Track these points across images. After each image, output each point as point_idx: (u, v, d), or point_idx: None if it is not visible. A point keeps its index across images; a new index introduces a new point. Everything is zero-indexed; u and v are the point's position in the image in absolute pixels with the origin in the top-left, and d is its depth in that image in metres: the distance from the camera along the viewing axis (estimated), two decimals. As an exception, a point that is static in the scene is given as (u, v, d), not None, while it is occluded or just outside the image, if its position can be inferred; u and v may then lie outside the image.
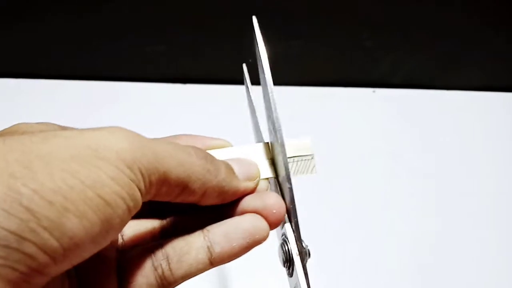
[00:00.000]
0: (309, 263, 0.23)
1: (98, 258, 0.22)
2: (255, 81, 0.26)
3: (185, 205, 0.23)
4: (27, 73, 0.63)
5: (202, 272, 0.22)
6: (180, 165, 0.20)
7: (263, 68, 0.22)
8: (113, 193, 0.17)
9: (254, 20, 0.23)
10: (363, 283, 0.51)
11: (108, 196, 0.17)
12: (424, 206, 0.57)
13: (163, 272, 0.21)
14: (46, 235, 0.15)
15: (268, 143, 0.26)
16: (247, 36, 0.24)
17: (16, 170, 0.16)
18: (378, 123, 0.65)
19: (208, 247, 0.22)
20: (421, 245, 0.54)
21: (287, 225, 0.23)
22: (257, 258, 0.43)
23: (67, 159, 0.17)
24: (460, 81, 0.71)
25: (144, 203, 0.25)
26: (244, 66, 0.28)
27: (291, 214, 0.23)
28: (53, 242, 0.16)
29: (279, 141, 0.22)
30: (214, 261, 0.22)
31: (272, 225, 0.23)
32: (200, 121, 0.61)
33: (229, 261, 0.22)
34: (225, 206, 0.23)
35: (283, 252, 0.23)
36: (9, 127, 0.21)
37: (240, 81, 0.29)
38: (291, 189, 0.22)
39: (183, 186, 0.20)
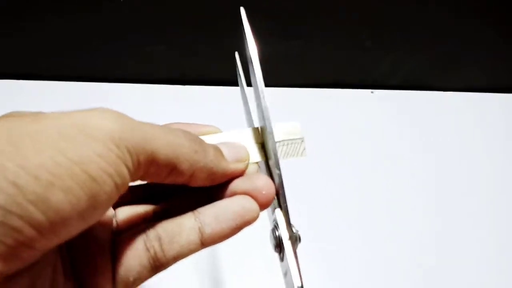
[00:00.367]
0: (300, 248, 0.23)
1: (93, 240, 0.22)
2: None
3: (178, 189, 0.23)
4: (27, 74, 0.63)
5: (194, 252, 0.22)
6: (168, 146, 0.20)
7: (250, 57, 0.22)
8: (100, 170, 0.17)
9: (242, 10, 0.23)
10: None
11: (95, 172, 0.17)
12: (423, 207, 0.57)
13: (155, 253, 0.22)
14: (32, 208, 0.16)
15: (258, 128, 0.27)
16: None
17: (3, 147, 0.16)
18: (377, 124, 0.65)
19: (199, 228, 0.22)
20: (421, 245, 0.54)
21: (277, 211, 0.24)
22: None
23: (55, 137, 0.17)
24: (460, 81, 0.71)
25: (137, 189, 0.26)
26: (237, 54, 0.28)
27: (280, 199, 0.23)
28: (39, 216, 0.16)
29: (268, 129, 0.22)
30: (205, 242, 0.22)
31: (262, 206, 0.23)
32: (200, 121, 0.61)
33: (220, 242, 0.23)
34: (216, 189, 0.24)
35: (274, 237, 0.23)
36: (1, 115, 0.21)
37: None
38: (280, 175, 0.23)
39: (172, 166, 0.21)
